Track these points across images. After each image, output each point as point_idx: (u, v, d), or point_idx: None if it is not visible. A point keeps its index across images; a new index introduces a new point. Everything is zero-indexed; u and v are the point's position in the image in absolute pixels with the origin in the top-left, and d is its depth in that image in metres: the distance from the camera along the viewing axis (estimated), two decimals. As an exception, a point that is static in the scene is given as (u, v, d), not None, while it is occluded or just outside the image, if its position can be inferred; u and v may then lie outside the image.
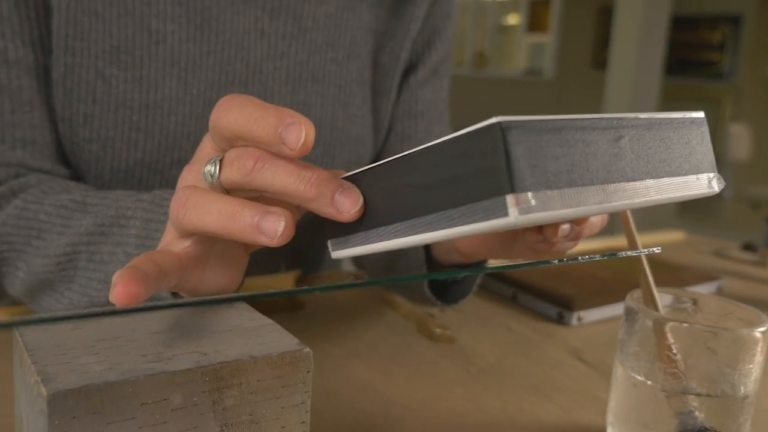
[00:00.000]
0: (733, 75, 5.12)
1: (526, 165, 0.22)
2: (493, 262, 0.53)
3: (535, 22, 6.43)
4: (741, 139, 3.81)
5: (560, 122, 0.23)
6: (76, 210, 0.43)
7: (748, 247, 0.90)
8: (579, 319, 0.59)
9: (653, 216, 3.85)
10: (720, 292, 0.72)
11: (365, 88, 0.60)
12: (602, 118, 0.25)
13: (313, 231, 0.58)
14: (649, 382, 0.36)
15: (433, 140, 0.25)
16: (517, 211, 0.22)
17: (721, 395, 0.35)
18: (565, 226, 0.34)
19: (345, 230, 0.30)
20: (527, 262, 0.28)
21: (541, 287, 0.61)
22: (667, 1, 3.74)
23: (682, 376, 0.35)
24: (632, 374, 0.37)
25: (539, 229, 0.35)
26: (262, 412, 0.28)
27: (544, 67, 6.33)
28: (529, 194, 0.22)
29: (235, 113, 0.28)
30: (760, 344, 0.35)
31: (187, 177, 0.32)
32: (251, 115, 0.28)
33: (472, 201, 0.23)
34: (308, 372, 0.28)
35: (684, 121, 0.28)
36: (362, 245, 0.30)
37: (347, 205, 0.28)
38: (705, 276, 0.71)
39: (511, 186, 0.22)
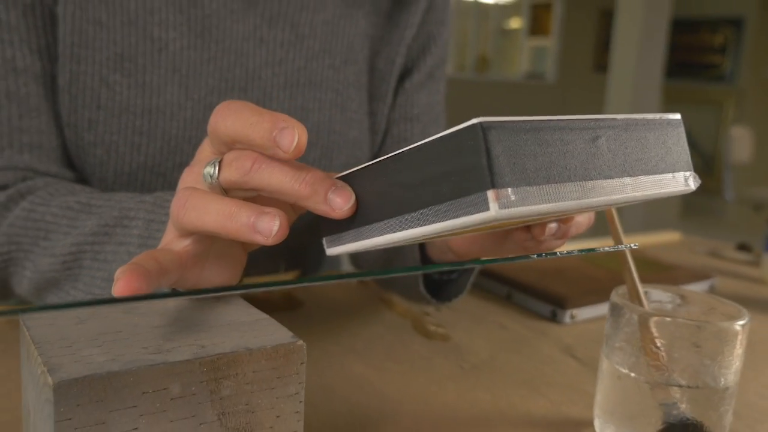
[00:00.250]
0: (734, 77, 5.12)
1: (506, 162, 0.24)
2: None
3: (536, 26, 6.45)
4: (743, 141, 3.81)
5: (539, 123, 0.25)
6: (82, 211, 0.45)
7: (743, 247, 0.91)
8: (572, 317, 0.60)
9: (655, 217, 3.85)
10: (712, 290, 0.73)
11: (362, 93, 0.62)
12: (580, 119, 0.26)
13: (311, 232, 0.60)
14: (633, 375, 0.37)
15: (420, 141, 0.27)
16: (498, 206, 0.23)
17: (703, 386, 0.36)
18: (552, 225, 0.36)
19: (339, 227, 0.32)
20: (509, 257, 0.29)
21: (535, 286, 0.63)
22: (667, 4, 3.75)
23: (665, 368, 0.36)
24: (617, 367, 0.38)
25: (528, 228, 0.37)
26: (257, 401, 0.29)
27: (546, 70, 6.35)
28: (509, 190, 0.23)
29: (232, 118, 0.30)
30: (740, 337, 0.36)
31: (187, 178, 0.34)
32: (247, 119, 0.29)
33: (457, 197, 0.25)
34: (302, 364, 0.30)
35: (660, 122, 0.29)
36: (355, 242, 0.31)
37: (340, 203, 0.29)
38: (697, 275, 0.72)
39: (492, 182, 0.23)
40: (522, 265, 0.68)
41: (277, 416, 0.29)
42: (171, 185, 0.53)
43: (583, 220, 0.38)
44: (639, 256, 0.81)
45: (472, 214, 0.24)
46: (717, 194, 4.58)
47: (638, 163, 0.28)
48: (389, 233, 0.29)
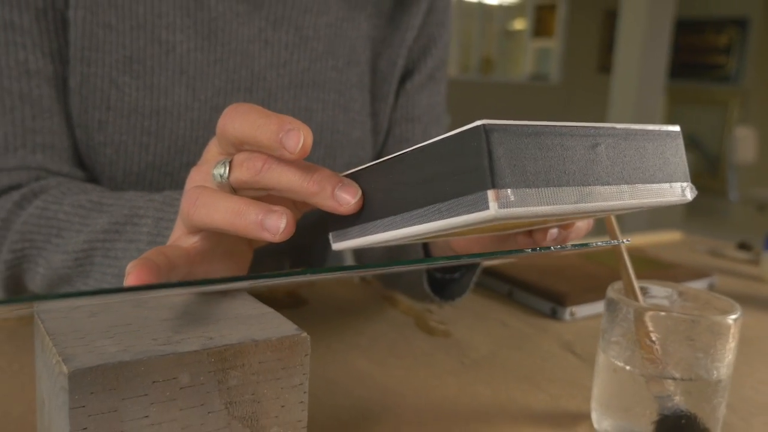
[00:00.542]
0: (739, 78, 5.11)
1: (507, 164, 0.25)
2: (486, 262, 0.55)
3: (541, 27, 6.45)
4: (747, 141, 3.81)
5: (540, 128, 0.26)
6: (93, 209, 0.46)
7: (744, 246, 0.92)
8: (572, 314, 0.61)
9: (660, 218, 3.85)
10: (711, 288, 0.74)
11: (364, 94, 0.63)
12: (580, 126, 0.27)
13: (316, 230, 0.61)
14: (629, 368, 0.38)
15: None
16: (497, 205, 0.24)
17: (697, 379, 0.37)
18: (553, 230, 0.37)
19: (344, 223, 0.33)
20: (504, 250, 0.30)
21: (535, 284, 0.64)
22: (671, 5, 3.75)
23: (660, 361, 0.37)
24: (614, 361, 0.39)
25: (530, 233, 0.38)
26: (263, 391, 0.30)
27: (551, 71, 6.34)
28: (509, 191, 0.24)
29: (240, 120, 0.31)
30: (732, 330, 0.37)
31: (196, 177, 0.35)
32: (254, 122, 0.30)
33: (458, 196, 0.26)
34: (306, 355, 0.31)
35: (659, 133, 0.30)
36: (360, 237, 0.32)
37: (347, 198, 0.31)
38: (697, 273, 0.73)
39: (493, 182, 0.24)
40: (523, 264, 0.69)
41: (282, 406, 0.31)
42: (178, 184, 0.54)
43: (582, 225, 0.39)
44: (639, 254, 0.82)
45: (473, 212, 0.25)
46: (721, 194, 4.58)
47: (636, 172, 0.29)
48: (393, 229, 0.30)
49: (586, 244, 0.30)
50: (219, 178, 0.32)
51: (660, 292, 0.42)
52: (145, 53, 0.52)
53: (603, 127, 0.28)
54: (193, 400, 0.28)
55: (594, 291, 0.62)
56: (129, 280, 0.29)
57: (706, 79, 5.30)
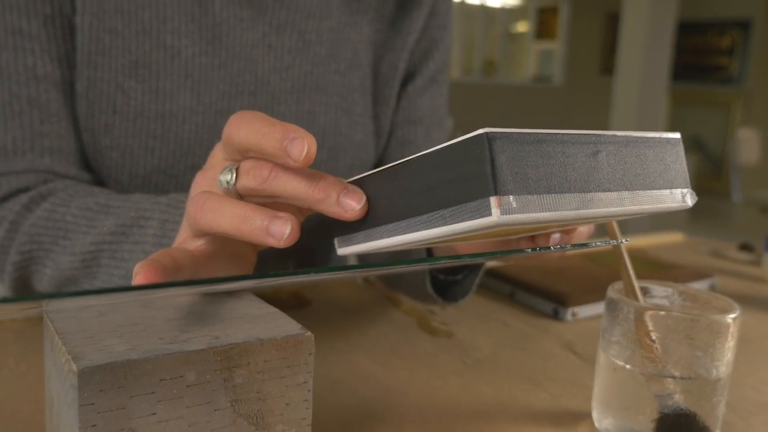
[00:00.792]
0: (742, 80, 5.11)
1: (509, 171, 0.25)
2: (489, 263, 0.55)
3: (543, 30, 6.45)
4: (750, 143, 3.80)
5: (542, 135, 0.26)
6: (100, 212, 0.47)
7: (745, 247, 0.92)
8: (573, 314, 0.61)
9: (663, 219, 3.84)
10: (712, 289, 0.74)
11: (366, 97, 0.63)
12: (581, 134, 0.28)
13: (321, 232, 0.61)
14: (629, 367, 0.38)
15: (431, 147, 0.28)
16: (500, 212, 0.25)
17: (696, 378, 0.37)
18: (556, 236, 0.37)
19: (349, 229, 0.34)
20: (504, 251, 0.31)
21: (537, 285, 0.64)
22: (673, 7, 3.75)
23: (659, 360, 0.38)
24: (614, 360, 0.39)
25: (533, 239, 0.38)
26: (268, 389, 0.30)
27: (553, 73, 6.35)
28: (511, 197, 0.25)
29: (245, 128, 0.32)
30: (731, 330, 0.37)
31: (202, 182, 0.36)
32: (259, 130, 0.31)
33: (461, 202, 0.26)
34: (310, 354, 0.31)
35: (660, 140, 0.30)
36: (365, 242, 0.33)
37: (351, 204, 0.31)
38: (698, 274, 0.73)
39: (495, 189, 0.25)
40: (525, 265, 0.70)
41: (287, 404, 0.31)
42: (183, 187, 0.55)
43: (584, 230, 0.39)
44: (641, 255, 0.82)
45: (476, 218, 0.26)
46: (725, 196, 4.57)
47: (637, 178, 0.29)
48: (398, 235, 0.30)
49: (585, 244, 0.31)
50: (226, 185, 0.33)
51: (660, 291, 0.42)
52: (150, 58, 0.53)
53: (604, 135, 0.28)
54: (199, 398, 0.29)
55: (596, 292, 0.63)
56: (137, 280, 0.29)
57: (708, 81, 5.30)
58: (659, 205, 0.30)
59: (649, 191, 0.29)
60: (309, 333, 0.31)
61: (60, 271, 0.48)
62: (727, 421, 0.43)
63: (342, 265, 0.73)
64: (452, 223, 0.27)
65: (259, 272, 0.42)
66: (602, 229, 0.43)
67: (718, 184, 4.96)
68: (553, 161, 0.26)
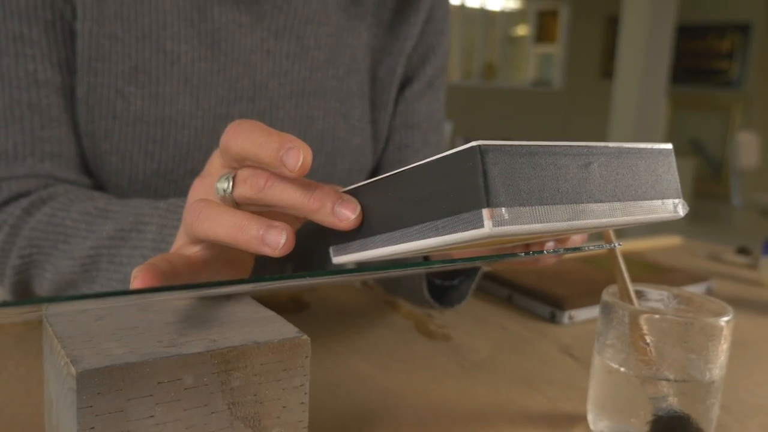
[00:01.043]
0: (742, 83, 5.11)
1: (501, 184, 0.25)
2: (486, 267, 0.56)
3: (543, 33, 6.47)
4: (750, 146, 3.81)
5: (534, 147, 0.27)
6: (99, 216, 0.47)
7: (743, 250, 0.92)
8: (570, 317, 0.61)
9: (664, 223, 3.85)
10: (709, 292, 0.74)
11: (364, 102, 0.64)
12: (573, 146, 0.28)
13: (318, 236, 0.62)
14: (623, 370, 0.39)
15: (428, 151, 0.29)
16: (492, 223, 0.25)
17: (690, 380, 0.38)
18: (550, 244, 0.38)
19: (345, 238, 0.34)
20: (498, 255, 0.31)
21: (535, 288, 0.64)
22: (672, 10, 3.76)
23: (654, 363, 0.38)
24: (609, 363, 0.39)
25: (527, 246, 0.39)
26: (265, 392, 0.31)
27: (553, 77, 6.36)
28: (503, 209, 0.25)
29: (242, 137, 0.32)
30: (724, 333, 0.37)
31: (199, 189, 0.36)
32: (256, 139, 0.31)
33: (454, 213, 0.27)
34: (306, 357, 0.32)
35: (652, 151, 0.31)
36: (359, 251, 0.33)
37: (346, 214, 0.32)
38: (695, 277, 0.74)
39: (487, 201, 0.25)
40: (522, 268, 0.70)
41: (284, 407, 0.31)
42: (182, 191, 0.56)
43: (577, 238, 0.40)
44: (638, 259, 0.82)
45: (468, 230, 0.26)
46: (724, 200, 4.57)
47: (629, 189, 0.29)
48: (392, 245, 0.31)
49: (579, 248, 0.31)
50: (222, 193, 0.33)
51: (655, 295, 0.43)
52: (150, 63, 0.53)
53: (596, 146, 0.28)
54: (196, 401, 0.29)
55: (593, 295, 0.63)
56: (135, 284, 0.30)
57: (708, 85, 5.31)
58: (651, 216, 0.30)
59: (640, 202, 0.30)
60: (305, 336, 0.31)
61: (60, 275, 0.48)
62: (722, 423, 0.43)
63: (337, 269, 0.73)
64: (445, 234, 0.27)
65: (257, 276, 0.42)
66: (597, 233, 0.43)
67: (717, 187, 4.96)
68: (545, 173, 0.27)
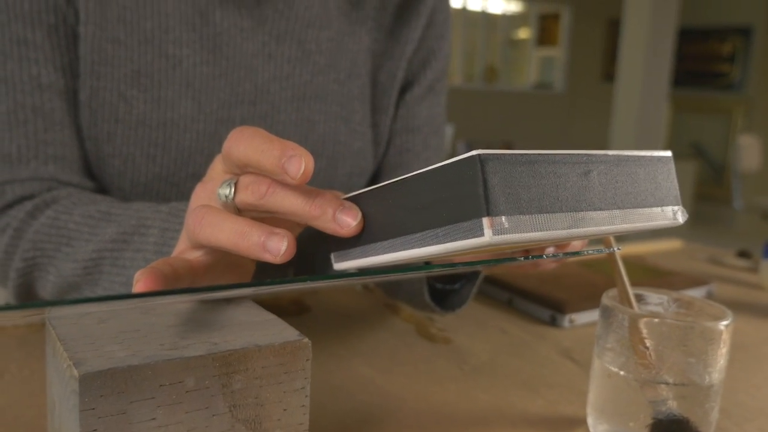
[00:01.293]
0: (743, 86, 5.12)
1: (501, 192, 0.26)
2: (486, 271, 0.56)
3: (545, 36, 6.48)
4: (752, 149, 3.80)
5: (534, 156, 0.27)
6: (102, 219, 0.47)
7: (743, 254, 0.92)
8: (571, 321, 0.62)
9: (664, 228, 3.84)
10: (710, 296, 0.74)
11: (365, 105, 0.64)
12: (573, 154, 0.28)
13: (319, 239, 0.62)
14: (623, 373, 0.39)
15: (429, 155, 0.29)
16: (492, 232, 0.25)
17: (689, 384, 0.38)
18: (550, 250, 0.38)
19: (346, 245, 0.34)
20: (499, 259, 0.31)
21: (535, 292, 0.64)
22: (674, 14, 3.76)
23: (653, 367, 0.38)
24: (608, 366, 0.40)
25: (527, 252, 0.39)
26: (266, 395, 0.31)
27: (555, 80, 6.37)
28: (503, 218, 0.25)
29: (244, 144, 0.32)
30: (724, 336, 0.38)
31: (201, 194, 0.36)
32: (258, 147, 0.32)
33: (454, 222, 0.27)
34: (307, 360, 0.32)
35: (651, 158, 0.31)
36: (360, 258, 0.33)
37: (347, 221, 0.32)
38: (695, 281, 0.74)
39: (487, 210, 0.25)
40: (523, 272, 0.70)
41: (285, 409, 0.32)
42: (184, 195, 0.56)
43: (577, 244, 0.40)
44: (639, 262, 0.82)
45: (468, 238, 0.26)
46: (726, 203, 4.57)
47: (628, 197, 0.29)
48: (392, 252, 0.31)
49: (579, 253, 0.31)
50: (224, 198, 0.34)
51: (654, 299, 0.43)
52: (152, 67, 0.54)
53: (595, 154, 0.29)
54: (198, 403, 0.29)
55: (593, 299, 0.63)
56: (138, 288, 0.30)
57: (709, 88, 5.31)
58: (650, 223, 0.30)
59: (640, 209, 0.30)
60: (306, 339, 0.31)
61: (62, 278, 0.48)
62: (722, 427, 0.43)
63: (337, 273, 0.74)
64: (445, 242, 0.28)
65: (259, 278, 0.43)
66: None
67: (719, 190, 4.96)
68: (544, 181, 0.27)
